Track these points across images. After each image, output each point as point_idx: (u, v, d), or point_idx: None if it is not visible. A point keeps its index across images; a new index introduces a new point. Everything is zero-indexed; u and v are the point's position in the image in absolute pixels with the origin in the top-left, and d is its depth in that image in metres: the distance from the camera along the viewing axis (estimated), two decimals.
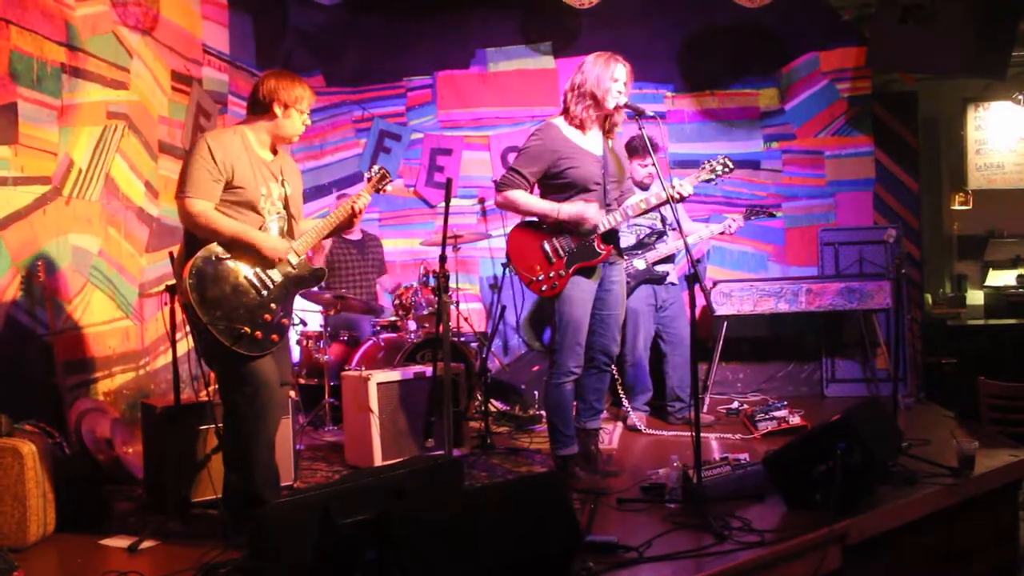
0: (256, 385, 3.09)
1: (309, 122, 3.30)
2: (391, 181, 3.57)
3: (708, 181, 3.89)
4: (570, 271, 3.64)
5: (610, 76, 3.58)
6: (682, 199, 3.62)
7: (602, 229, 3.66)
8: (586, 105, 3.61)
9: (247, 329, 3.06)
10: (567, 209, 3.61)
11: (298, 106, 3.21)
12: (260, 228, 3.16)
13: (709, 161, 3.82)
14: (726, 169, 3.88)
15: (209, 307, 3.01)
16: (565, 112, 3.70)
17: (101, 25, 4.49)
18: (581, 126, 3.65)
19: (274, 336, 3.14)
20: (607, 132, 3.75)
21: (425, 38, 6.55)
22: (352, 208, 3.38)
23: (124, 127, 4.64)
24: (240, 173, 3.12)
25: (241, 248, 3.09)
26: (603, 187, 3.67)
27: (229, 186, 3.10)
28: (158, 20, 4.98)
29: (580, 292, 3.67)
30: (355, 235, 6.02)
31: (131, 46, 4.73)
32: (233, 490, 3.17)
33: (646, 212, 3.87)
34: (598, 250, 3.67)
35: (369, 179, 3.52)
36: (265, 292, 3.15)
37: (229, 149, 3.11)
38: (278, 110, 3.19)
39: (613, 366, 3.99)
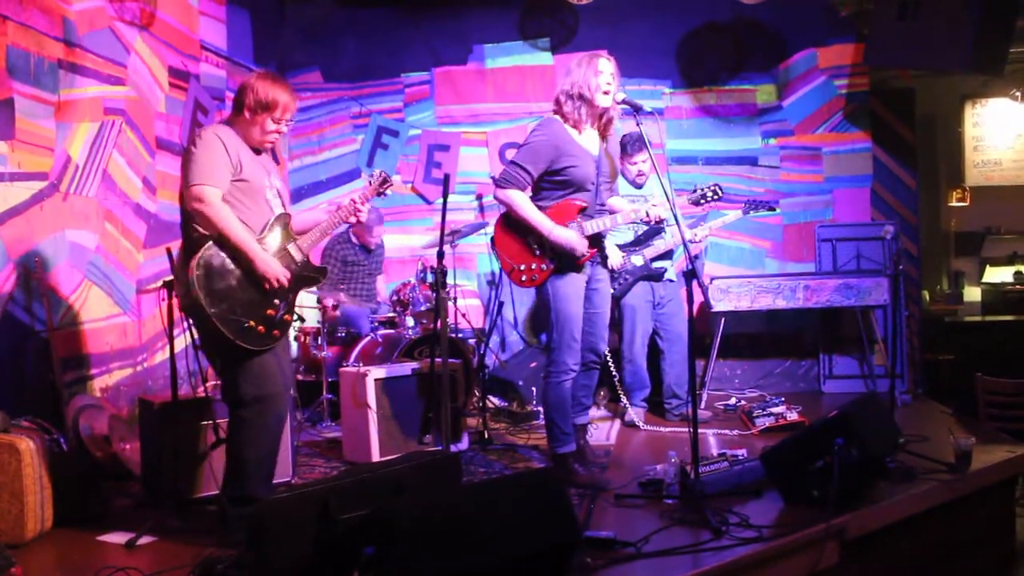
0: (261, 379, 3.09)
1: (284, 129, 3.22)
2: (391, 185, 3.55)
3: (695, 204, 4.14)
4: (552, 266, 3.67)
5: (594, 71, 3.62)
6: (660, 219, 3.84)
7: (587, 232, 3.69)
8: (576, 105, 3.64)
9: (251, 323, 3.06)
10: (559, 234, 3.62)
11: (272, 113, 3.14)
12: (268, 222, 3.17)
13: (701, 188, 4.10)
14: (715, 196, 4.12)
15: (215, 300, 3.00)
16: (560, 114, 3.72)
17: (98, 21, 4.48)
18: (576, 126, 3.69)
19: (276, 331, 3.14)
20: (603, 132, 3.78)
21: (423, 34, 6.54)
22: (356, 216, 3.40)
23: (121, 123, 4.63)
24: (247, 166, 3.12)
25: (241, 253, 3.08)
26: (596, 188, 3.72)
27: (239, 179, 3.09)
28: (155, 16, 4.97)
29: (572, 288, 3.69)
30: (376, 241, 5.87)
31: (128, 42, 4.72)
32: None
33: (633, 221, 3.98)
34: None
35: (370, 183, 3.50)
36: (268, 287, 3.14)
37: (233, 142, 3.11)
38: (247, 113, 3.14)
39: (604, 363, 4.02)
